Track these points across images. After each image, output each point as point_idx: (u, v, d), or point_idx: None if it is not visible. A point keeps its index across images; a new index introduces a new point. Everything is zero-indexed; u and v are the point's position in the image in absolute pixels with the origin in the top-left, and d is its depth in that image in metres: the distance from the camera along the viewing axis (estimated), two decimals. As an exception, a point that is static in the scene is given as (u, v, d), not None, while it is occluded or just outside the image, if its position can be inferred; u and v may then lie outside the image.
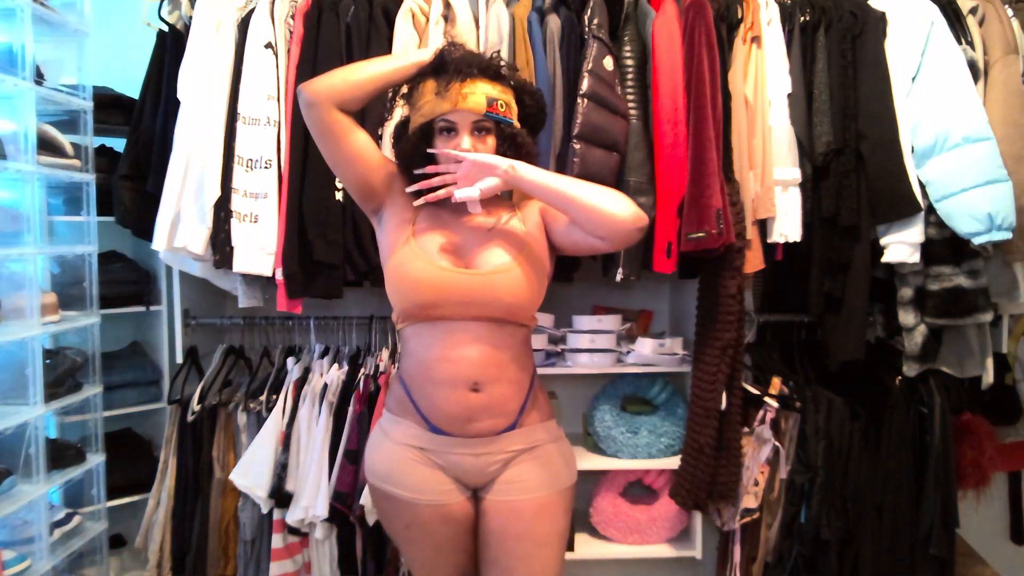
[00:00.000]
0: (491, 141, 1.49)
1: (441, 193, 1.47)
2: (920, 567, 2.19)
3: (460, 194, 1.44)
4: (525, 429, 1.51)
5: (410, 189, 1.51)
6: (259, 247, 2.00)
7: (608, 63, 1.98)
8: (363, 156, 1.49)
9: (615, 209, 1.39)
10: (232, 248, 2.00)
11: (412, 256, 1.45)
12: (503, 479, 1.49)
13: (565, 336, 2.37)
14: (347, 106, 1.46)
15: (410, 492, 1.49)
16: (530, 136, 1.57)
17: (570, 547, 2.34)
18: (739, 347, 2.12)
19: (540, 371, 1.64)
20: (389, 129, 1.67)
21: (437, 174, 1.48)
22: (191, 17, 2.07)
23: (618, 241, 1.43)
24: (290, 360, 2.30)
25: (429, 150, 1.47)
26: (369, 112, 1.81)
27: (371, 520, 2.06)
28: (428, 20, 2.04)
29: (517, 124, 1.52)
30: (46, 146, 1.98)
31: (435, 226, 1.51)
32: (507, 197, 1.67)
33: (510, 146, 1.50)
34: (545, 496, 1.49)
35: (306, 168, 1.99)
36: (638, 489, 2.50)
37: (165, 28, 2.16)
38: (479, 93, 1.43)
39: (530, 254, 1.49)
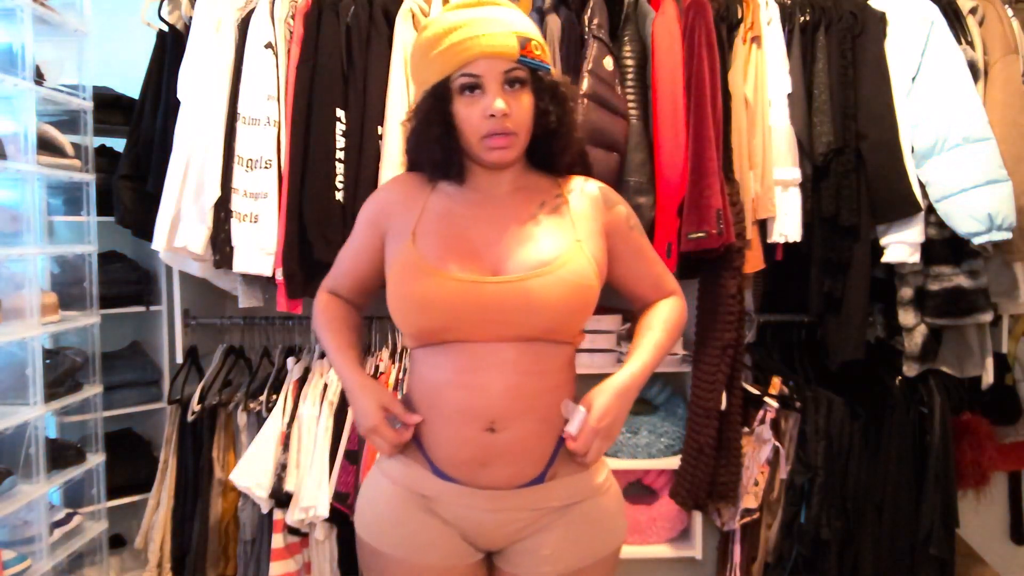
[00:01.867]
0: (526, 99, 1.12)
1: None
2: (920, 567, 2.19)
3: (574, 425, 1.18)
4: (558, 483, 1.18)
5: None
6: (259, 247, 2.00)
7: (608, 63, 1.98)
8: (377, 276, 1.26)
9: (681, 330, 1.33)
10: (232, 248, 2.00)
11: (414, 267, 1.12)
12: (524, 548, 1.17)
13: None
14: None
15: (403, 550, 1.16)
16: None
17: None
18: (739, 347, 2.11)
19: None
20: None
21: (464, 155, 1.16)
22: (191, 17, 2.06)
23: None
24: (290, 360, 2.30)
25: None
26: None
27: (371, 520, 2.06)
28: (428, 20, 2.04)
29: (555, 70, 1.18)
30: (46, 146, 1.98)
31: (447, 220, 1.16)
32: (544, 170, 1.24)
33: (551, 100, 1.14)
34: (579, 569, 1.18)
35: (306, 168, 1.99)
36: (638, 489, 2.49)
37: (165, 28, 2.16)
38: (507, 31, 1.09)
39: (581, 249, 1.15)
